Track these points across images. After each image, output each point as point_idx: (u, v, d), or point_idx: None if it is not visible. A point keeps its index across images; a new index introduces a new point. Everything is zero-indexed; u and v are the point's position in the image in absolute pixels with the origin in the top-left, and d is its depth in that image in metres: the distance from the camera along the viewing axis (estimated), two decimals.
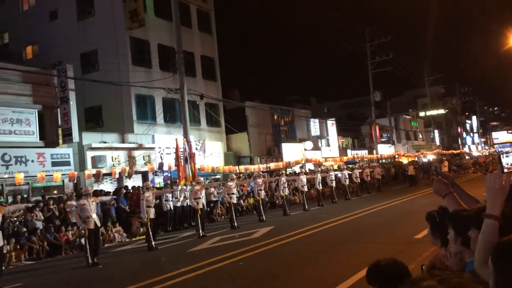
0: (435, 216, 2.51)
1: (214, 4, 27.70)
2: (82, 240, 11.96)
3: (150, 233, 12.42)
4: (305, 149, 30.53)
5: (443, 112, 47.79)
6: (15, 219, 12.83)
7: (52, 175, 15.53)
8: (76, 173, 16.14)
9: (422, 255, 8.04)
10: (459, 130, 69.54)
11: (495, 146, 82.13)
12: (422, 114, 49.83)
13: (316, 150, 32.43)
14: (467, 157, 55.72)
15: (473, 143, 76.16)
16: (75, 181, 16.27)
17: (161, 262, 10.66)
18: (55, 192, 16.63)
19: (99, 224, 11.66)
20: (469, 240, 2.03)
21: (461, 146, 65.86)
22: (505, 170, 1.93)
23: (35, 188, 16.37)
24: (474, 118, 78.58)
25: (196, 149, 21.29)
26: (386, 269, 2.23)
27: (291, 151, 28.87)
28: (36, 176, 15.13)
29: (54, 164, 16.27)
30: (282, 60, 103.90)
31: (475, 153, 64.40)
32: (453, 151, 56.15)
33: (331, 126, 36.25)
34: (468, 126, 77.20)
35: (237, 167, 22.47)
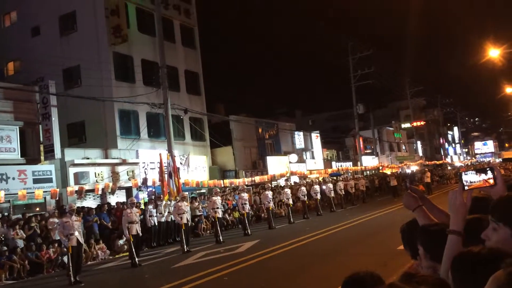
0: (404, 229, 2.57)
1: (198, 19, 27.92)
2: (65, 258, 11.79)
3: (133, 249, 12.29)
4: (290, 162, 30.65)
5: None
6: None
7: (33, 193, 15.30)
8: (58, 190, 15.94)
9: (405, 265, 8.11)
10: (441, 141, 70.57)
11: (477, 156, 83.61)
12: (404, 126, 50.88)
13: (301, 162, 32.58)
14: (449, 168, 56.50)
15: (455, 153, 77.32)
16: (57, 198, 16.07)
17: (144, 278, 10.55)
18: (38, 209, 16.37)
19: (81, 242, 11.51)
20: (439, 255, 2.09)
21: (443, 156, 66.77)
22: (466, 188, 2.02)
23: (17, 206, 16.09)
24: (455, 129, 79.90)
25: (181, 163, 21.21)
26: (364, 281, 2.25)
27: (276, 164, 28.95)
28: (17, 193, 14.90)
29: (35, 181, 16.05)
30: (268, 74, 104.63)
31: (457, 164, 65.34)
32: (435, 161, 56.90)
33: (316, 138, 36.51)
34: (450, 137, 78.43)
35: (222, 181, 22.42)
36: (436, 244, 2.02)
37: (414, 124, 49.30)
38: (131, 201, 13.39)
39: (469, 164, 60.93)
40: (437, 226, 2.18)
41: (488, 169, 2.00)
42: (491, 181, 1.97)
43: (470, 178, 2.01)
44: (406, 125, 49.11)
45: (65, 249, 11.33)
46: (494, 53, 23.87)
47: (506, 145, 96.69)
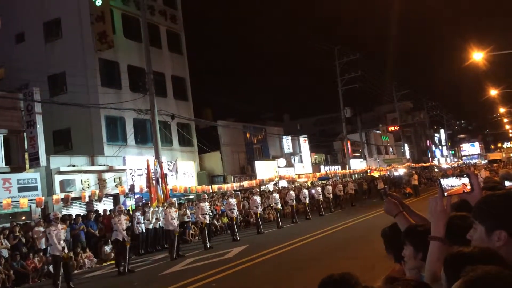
0: (387, 233, 2.58)
1: (184, 24, 27.89)
2: (51, 267, 11.62)
3: (121, 257, 12.17)
4: (278, 166, 30.67)
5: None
6: None
7: (18, 201, 15.09)
8: (43, 198, 15.73)
9: (391, 268, 8.14)
10: (428, 143, 71.25)
11: (464, 158, 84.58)
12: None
13: (290, 167, 32.62)
14: (436, 170, 57.04)
15: (442, 155, 78.09)
16: (43, 207, 15.86)
17: (132, 286, 10.45)
18: (23, 218, 16.15)
19: (66, 251, 11.34)
20: None
21: (430, 159, 67.41)
22: (445, 194, 2.07)
23: (2, 215, 15.85)
24: (442, 131, 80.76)
25: (169, 169, 21.10)
26: (340, 283, 2.23)
27: (265, 169, 28.95)
28: (1, 202, 14.67)
29: (20, 189, 15.82)
30: (255, 79, 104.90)
31: (444, 166, 66.00)
32: (423, 164, 57.41)
33: (304, 142, 36.62)
34: (436, 139, 79.24)
35: (210, 186, 22.34)
36: (428, 242, 2.03)
37: (390, 129, 50.39)
38: (119, 209, 13.28)
39: (456, 166, 61.57)
40: (425, 226, 2.20)
41: (465, 176, 2.05)
42: (469, 187, 2.03)
43: (451, 182, 2.06)
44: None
45: (50, 258, 11.17)
46: (477, 56, 24.18)
47: (492, 146, 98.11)
